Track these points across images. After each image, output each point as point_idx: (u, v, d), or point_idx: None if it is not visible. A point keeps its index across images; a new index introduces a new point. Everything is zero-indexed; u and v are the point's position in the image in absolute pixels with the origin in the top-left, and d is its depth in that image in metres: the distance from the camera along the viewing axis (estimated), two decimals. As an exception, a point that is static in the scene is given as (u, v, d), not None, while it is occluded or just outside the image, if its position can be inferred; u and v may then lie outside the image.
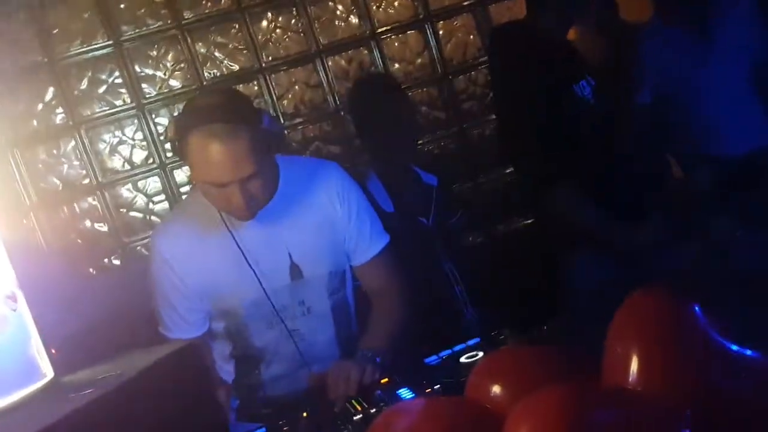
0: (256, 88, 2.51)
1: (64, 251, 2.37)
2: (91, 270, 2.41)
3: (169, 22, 2.42)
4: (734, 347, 0.66)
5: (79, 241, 2.40)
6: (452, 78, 2.65)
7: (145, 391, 0.66)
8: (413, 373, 1.32)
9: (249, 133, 1.31)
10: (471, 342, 1.37)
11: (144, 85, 2.43)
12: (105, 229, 2.42)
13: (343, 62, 2.57)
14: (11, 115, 2.34)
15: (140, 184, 2.45)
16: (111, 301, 2.17)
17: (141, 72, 2.43)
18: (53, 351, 0.76)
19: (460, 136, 2.68)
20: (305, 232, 1.50)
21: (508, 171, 2.60)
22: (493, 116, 2.45)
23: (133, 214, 2.44)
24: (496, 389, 0.71)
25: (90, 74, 2.39)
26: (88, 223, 2.41)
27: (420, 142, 2.54)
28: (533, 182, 1.85)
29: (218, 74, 2.48)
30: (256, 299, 1.48)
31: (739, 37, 1.97)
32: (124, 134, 2.43)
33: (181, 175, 2.46)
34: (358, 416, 1.20)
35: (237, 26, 2.48)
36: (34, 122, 2.37)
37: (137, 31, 2.41)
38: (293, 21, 2.52)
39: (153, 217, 2.45)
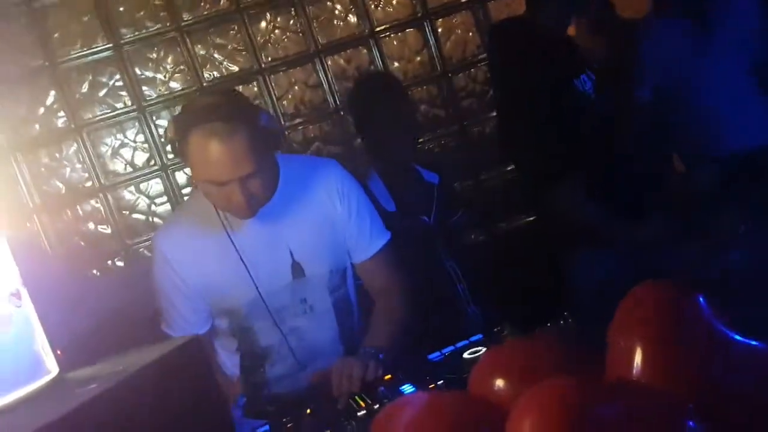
0: (255, 89, 2.51)
1: (68, 254, 2.38)
2: (94, 272, 2.42)
3: (168, 24, 2.43)
4: (738, 338, 0.66)
5: (83, 243, 2.41)
6: (452, 76, 2.65)
7: (149, 387, 0.66)
8: (416, 369, 1.32)
9: (248, 131, 1.32)
10: (473, 338, 1.37)
11: (144, 88, 2.44)
12: (108, 231, 2.42)
13: (342, 62, 2.57)
14: (13, 118, 2.35)
15: (142, 186, 2.45)
16: (115, 302, 2.17)
17: (141, 74, 2.43)
18: (59, 352, 0.76)
19: (460, 134, 2.68)
20: (306, 229, 1.50)
21: (509, 169, 2.60)
22: (494, 114, 2.45)
23: (135, 216, 2.45)
24: (499, 383, 0.71)
25: (91, 77, 2.40)
26: (91, 225, 2.42)
27: (420, 140, 2.54)
28: (534, 179, 1.85)
29: (218, 76, 2.48)
30: (256, 299, 1.48)
31: (739, 30, 1.96)
32: (125, 137, 2.44)
33: (183, 177, 2.47)
34: (362, 412, 1.20)
35: (236, 27, 2.48)
36: (36, 126, 2.38)
37: (137, 33, 2.41)
38: (292, 21, 2.52)
39: (155, 219, 2.45)
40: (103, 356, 0.79)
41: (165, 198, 2.46)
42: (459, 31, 2.64)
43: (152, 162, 2.45)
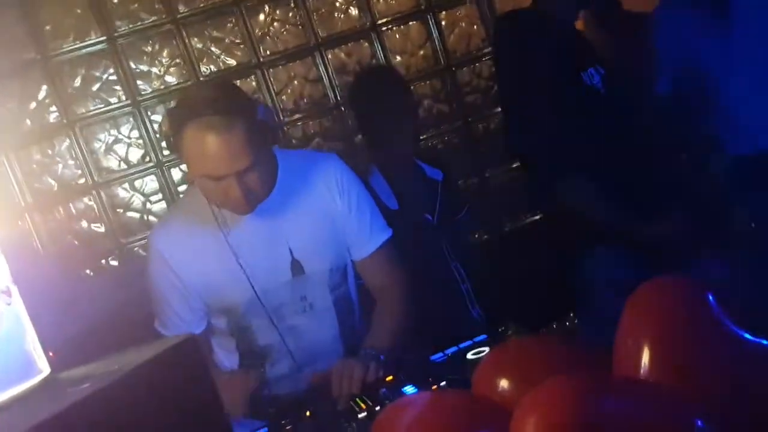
0: (254, 83, 2.51)
1: (60, 253, 2.38)
2: (88, 271, 2.42)
3: (163, 16, 2.43)
4: (748, 336, 0.66)
5: (76, 242, 2.42)
6: (456, 70, 2.65)
7: (143, 387, 0.66)
8: (419, 370, 1.32)
9: (244, 124, 1.32)
10: (477, 339, 1.37)
11: (139, 82, 2.44)
12: (102, 229, 2.43)
13: (343, 55, 2.57)
14: (4, 114, 2.35)
15: (137, 183, 2.46)
16: (109, 303, 2.18)
17: (136, 68, 2.44)
18: (51, 354, 0.76)
19: (464, 130, 2.68)
20: (305, 225, 1.51)
21: (514, 166, 2.60)
22: (499, 109, 2.45)
23: (130, 214, 2.45)
24: (503, 382, 0.71)
25: (84, 71, 2.40)
26: (84, 223, 2.42)
27: (424, 136, 2.54)
28: (542, 175, 1.85)
29: (215, 70, 2.48)
30: (254, 297, 1.49)
31: (761, 17, 1.92)
32: (119, 132, 2.44)
33: (179, 174, 2.47)
34: (363, 414, 1.20)
35: (233, 20, 2.48)
36: (28, 121, 2.38)
37: (131, 26, 2.42)
38: (291, 14, 2.52)
39: (150, 217, 2.45)
40: (96, 359, 0.79)
41: (160, 196, 2.46)
42: (463, 24, 2.64)
43: (147, 158, 2.46)
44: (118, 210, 2.44)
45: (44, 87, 2.38)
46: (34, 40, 2.35)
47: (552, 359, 0.74)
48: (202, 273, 1.49)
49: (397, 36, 2.60)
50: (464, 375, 1.18)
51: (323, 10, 2.54)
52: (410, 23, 2.61)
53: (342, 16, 2.56)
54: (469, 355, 1.29)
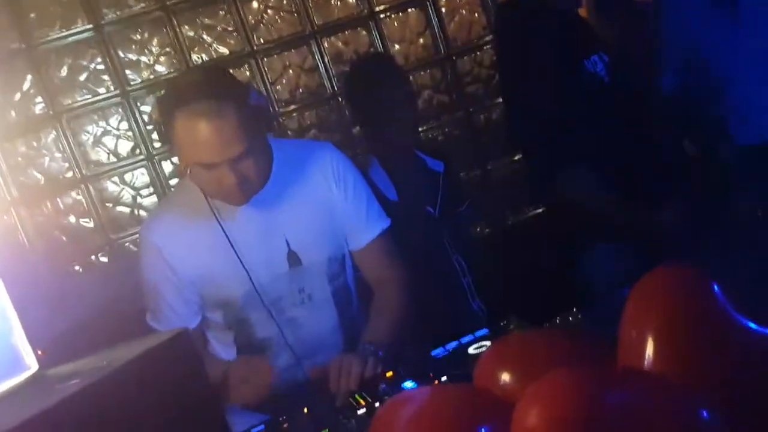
0: (247, 72, 2.51)
1: (48, 249, 2.38)
2: (77, 268, 2.43)
3: (153, 3, 2.43)
4: (754, 326, 0.66)
5: (64, 237, 2.42)
6: (456, 59, 2.65)
7: (133, 382, 0.67)
8: (419, 365, 1.33)
9: (237, 109, 1.32)
10: (479, 333, 1.38)
11: (128, 72, 2.44)
12: (90, 224, 2.43)
13: (339, 44, 2.57)
14: (-12, 105, 2.35)
15: (127, 176, 2.46)
16: (99, 300, 2.18)
17: (124, 57, 2.43)
18: (39, 352, 0.77)
19: (465, 121, 2.68)
20: (302, 216, 1.51)
21: (517, 158, 2.60)
22: (501, 100, 2.45)
23: (119, 208, 2.45)
24: (504, 376, 0.72)
25: (70, 61, 2.40)
26: (72, 218, 2.42)
27: (423, 127, 2.54)
28: (545, 166, 1.86)
29: (207, 59, 2.48)
30: (252, 289, 1.50)
31: None
32: (108, 124, 2.44)
33: (170, 166, 2.47)
34: (362, 411, 1.21)
35: (225, 7, 2.48)
36: (12, 113, 2.38)
37: (119, 13, 2.41)
38: (286, 1, 2.52)
39: (141, 212, 2.46)
40: (86, 356, 0.80)
41: (151, 189, 2.46)
42: (464, 12, 2.64)
43: (137, 151, 2.46)
44: (107, 204, 2.44)
45: (29, 77, 2.37)
46: (19, 28, 2.35)
47: (554, 352, 0.75)
48: (198, 266, 1.49)
49: (396, 24, 2.60)
50: (466, 370, 1.18)
51: (319, -3, 2.54)
52: (409, 10, 2.61)
53: (339, 2, 2.56)
54: (471, 350, 1.30)
